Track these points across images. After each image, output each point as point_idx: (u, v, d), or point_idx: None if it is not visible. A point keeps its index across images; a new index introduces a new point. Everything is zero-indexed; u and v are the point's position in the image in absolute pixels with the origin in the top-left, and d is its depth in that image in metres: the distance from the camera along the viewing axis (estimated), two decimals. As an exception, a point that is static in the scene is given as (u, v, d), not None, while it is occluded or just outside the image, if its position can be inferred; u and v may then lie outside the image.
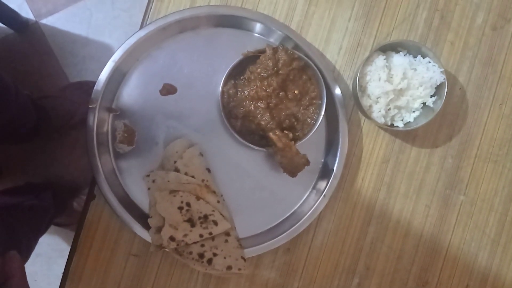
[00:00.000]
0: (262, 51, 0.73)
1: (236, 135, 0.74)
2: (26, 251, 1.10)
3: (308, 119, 0.76)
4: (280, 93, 0.73)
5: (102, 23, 1.58)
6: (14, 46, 1.54)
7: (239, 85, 0.74)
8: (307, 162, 0.72)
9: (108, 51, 1.58)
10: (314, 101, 0.76)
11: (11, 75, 1.49)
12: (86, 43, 1.58)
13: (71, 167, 1.53)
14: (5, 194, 1.22)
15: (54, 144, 1.51)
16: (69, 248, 1.53)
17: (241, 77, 0.75)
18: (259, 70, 0.73)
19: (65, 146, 1.52)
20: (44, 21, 1.55)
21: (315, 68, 0.74)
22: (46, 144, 1.50)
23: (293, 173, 0.74)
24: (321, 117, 0.75)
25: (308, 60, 0.74)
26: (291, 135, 0.73)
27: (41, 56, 1.55)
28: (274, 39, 0.80)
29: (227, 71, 0.73)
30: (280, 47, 0.72)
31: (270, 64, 0.72)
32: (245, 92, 0.73)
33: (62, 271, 1.53)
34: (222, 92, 0.73)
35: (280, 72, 0.72)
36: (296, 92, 0.74)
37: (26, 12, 1.55)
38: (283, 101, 0.74)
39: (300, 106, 0.76)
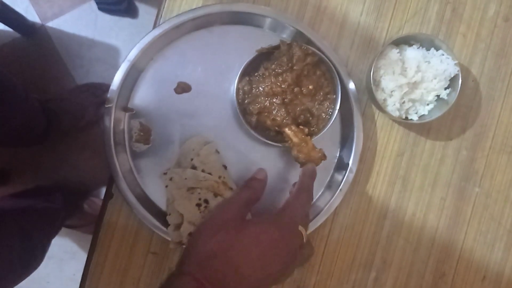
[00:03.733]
0: (276, 47, 0.73)
1: (253, 132, 0.74)
2: (40, 254, 1.11)
3: (323, 114, 0.76)
4: (295, 88, 0.74)
5: (108, 25, 1.59)
6: (21, 49, 1.55)
7: (254, 82, 0.74)
8: (324, 157, 0.72)
9: (114, 53, 1.59)
10: (328, 96, 0.76)
11: (19, 78, 1.50)
12: (92, 45, 1.59)
13: (81, 169, 1.54)
14: (16, 197, 1.23)
15: (63, 147, 1.52)
16: (80, 250, 1.55)
17: (256, 74, 0.75)
18: (273, 66, 0.73)
19: (74, 148, 1.53)
20: (50, 24, 1.56)
21: (329, 63, 0.75)
22: (56, 147, 1.51)
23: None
24: (336, 111, 0.75)
25: (322, 55, 0.75)
26: (306, 130, 0.73)
27: (48, 59, 1.56)
28: (286, 35, 0.80)
29: (241, 68, 0.73)
30: (294, 43, 0.73)
31: (285, 59, 0.72)
32: (260, 88, 0.74)
33: (74, 273, 1.55)
34: (237, 89, 0.74)
35: (295, 67, 0.72)
36: (310, 87, 0.75)
37: (32, 15, 1.56)
38: (298, 97, 0.75)
39: (315, 101, 0.76)
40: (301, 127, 0.73)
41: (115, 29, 1.58)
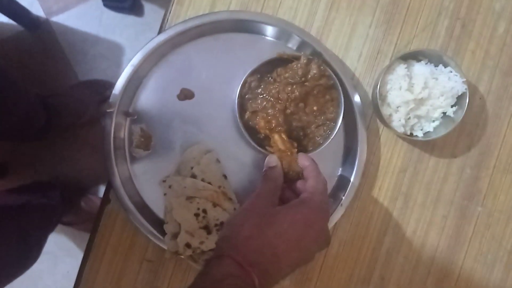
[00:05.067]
0: (297, 57, 0.72)
1: (241, 124, 0.71)
2: (36, 250, 1.10)
3: (317, 138, 0.74)
4: (300, 104, 0.72)
5: (113, 22, 1.57)
6: (24, 43, 1.54)
7: (263, 81, 0.73)
8: (302, 176, 0.68)
9: (118, 51, 1.57)
10: (328, 122, 0.74)
11: (21, 72, 1.50)
12: (96, 41, 1.57)
13: (79, 166, 1.53)
14: (14, 193, 1.22)
15: (63, 143, 1.51)
16: (75, 247, 1.54)
17: (268, 76, 0.73)
18: (287, 74, 0.71)
19: (73, 145, 1.52)
20: (54, 18, 1.54)
21: (340, 92, 0.73)
22: (55, 143, 1.50)
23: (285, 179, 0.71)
24: (329, 140, 0.73)
25: (337, 82, 0.73)
26: (296, 144, 0.71)
27: (51, 54, 1.55)
28: (292, 45, 0.79)
29: (257, 65, 0.71)
30: (315, 60, 0.71)
31: (300, 72, 0.70)
32: (267, 89, 0.72)
33: (68, 270, 1.54)
34: (245, 81, 0.71)
35: (306, 83, 0.71)
36: (315, 108, 0.73)
37: (36, 9, 1.55)
38: (299, 113, 0.73)
39: (314, 123, 0.74)
40: (291, 140, 0.71)
41: (119, 26, 1.57)
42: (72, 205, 1.47)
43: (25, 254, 1.04)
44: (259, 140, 0.73)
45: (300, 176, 0.68)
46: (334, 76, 0.73)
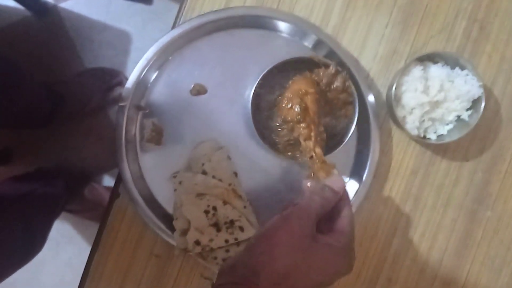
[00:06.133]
0: (326, 65, 0.71)
1: (254, 127, 0.70)
2: (41, 238, 1.10)
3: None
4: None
5: (121, 10, 1.56)
6: (31, 28, 1.52)
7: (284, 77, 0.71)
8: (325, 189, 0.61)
9: (125, 39, 1.56)
10: (330, 137, 0.72)
11: (27, 58, 1.48)
12: (103, 29, 1.56)
13: (84, 154, 1.53)
14: (18, 181, 1.21)
15: (67, 131, 1.50)
16: (77, 235, 1.54)
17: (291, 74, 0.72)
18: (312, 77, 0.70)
19: (78, 133, 1.52)
20: (63, 4, 1.53)
21: (356, 112, 0.72)
22: (60, 130, 1.49)
23: None
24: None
25: (356, 100, 0.72)
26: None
27: (58, 40, 1.53)
28: (308, 43, 0.78)
29: (285, 59, 0.70)
30: (344, 73, 0.70)
31: (324, 81, 0.69)
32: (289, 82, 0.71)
33: (70, 257, 1.54)
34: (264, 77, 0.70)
35: (328, 94, 0.70)
36: (324, 120, 0.72)
37: (44, -6, 1.53)
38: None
39: (316, 135, 0.70)
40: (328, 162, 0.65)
41: (127, 14, 1.55)
42: (76, 193, 1.46)
43: (30, 242, 1.04)
44: (272, 140, 0.72)
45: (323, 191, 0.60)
46: (355, 94, 0.72)
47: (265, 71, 0.69)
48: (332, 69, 0.70)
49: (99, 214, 1.47)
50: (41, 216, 1.13)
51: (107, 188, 1.52)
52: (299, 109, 0.67)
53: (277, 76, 0.71)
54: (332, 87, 0.70)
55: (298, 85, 0.69)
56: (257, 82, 0.69)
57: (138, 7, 1.56)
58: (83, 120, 1.50)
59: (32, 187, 1.18)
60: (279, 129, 0.71)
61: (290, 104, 0.68)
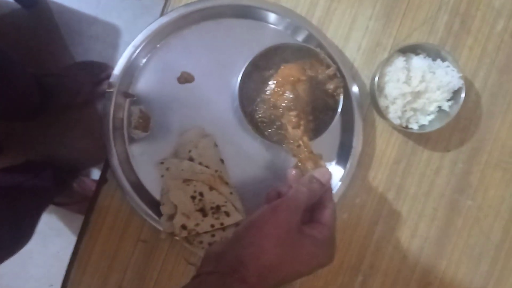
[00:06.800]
0: (328, 65, 0.73)
1: (242, 114, 0.71)
2: (29, 231, 1.10)
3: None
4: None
5: (111, 4, 1.56)
6: (20, 21, 1.52)
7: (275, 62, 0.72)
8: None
9: (115, 33, 1.56)
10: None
11: (16, 50, 1.48)
12: (93, 22, 1.56)
13: (73, 147, 1.53)
14: (6, 173, 1.21)
15: (56, 123, 1.50)
16: (65, 228, 1.54)
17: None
18: (308, 72, 0.72)
19: (67, 125, 1.51)
20: (52, -3, 1.53)
21: (341, 102, 0.74)
22: (49, 123, 1.49)
23: None
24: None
25: (339, 112, 0.74)
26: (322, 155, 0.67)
27: (47, 33, 1.53)
28: (293, 33, 0.79)
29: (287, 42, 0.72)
30: (339, 80, 0.73)
31: (319, 78, 0.71)
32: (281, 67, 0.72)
33: (58, 250, 1.54)
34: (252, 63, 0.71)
35: (316, 92, 0.72)
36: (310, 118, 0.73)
37: (34, -13, 1.52)
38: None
39: (305, 124, 0.72)
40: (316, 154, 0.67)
41: (118, 8, 1.56)
42: (64, 186, 1.46)
43: (18, 235, 1.03)
44: (259, 129, 0.73)
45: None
46: (341, 103, 0.73)
47: (257, 53, 0.71)
48: (331, 71, 0.72)
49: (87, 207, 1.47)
50: (29, 208, 1.13)
51: (96, 181, 1.52)
52: (291, 95, 0.69)
53: (274, 57, 0.72)
54: (324, 87, 0.72)
55: (290, 70, 0.70)
56: (244, 67, 0.71)
57: (129, 2, 1.56)
58: (72, 113, 1.50)
59: (20, 180, 1.18)
60: (265, 117, 0.72)
61: (282, 90, 0.70)
